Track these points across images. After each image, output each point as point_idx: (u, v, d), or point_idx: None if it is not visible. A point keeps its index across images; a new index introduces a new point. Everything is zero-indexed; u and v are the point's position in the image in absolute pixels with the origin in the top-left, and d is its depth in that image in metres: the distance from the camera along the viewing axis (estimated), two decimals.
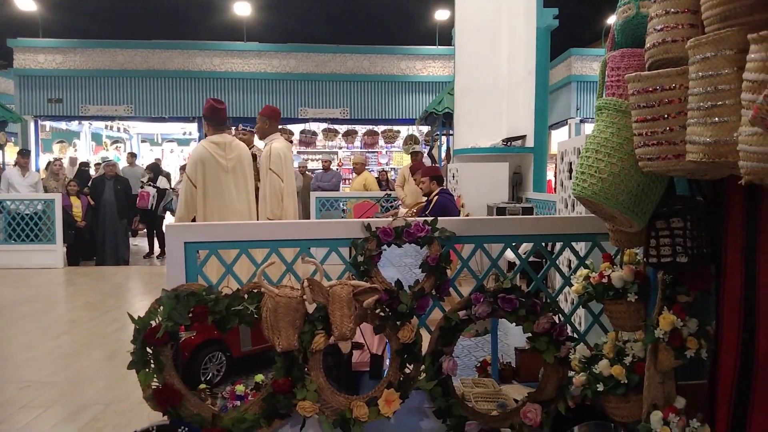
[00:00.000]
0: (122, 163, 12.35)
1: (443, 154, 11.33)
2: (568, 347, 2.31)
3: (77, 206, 9.16)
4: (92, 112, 14.57)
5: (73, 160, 13.72)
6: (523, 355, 2.96)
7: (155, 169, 10.91)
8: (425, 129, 14.21)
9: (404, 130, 15.81)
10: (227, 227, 2.77)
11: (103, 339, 4.76)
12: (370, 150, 15.99)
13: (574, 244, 2.68)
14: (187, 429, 2.23)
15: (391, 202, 8.86)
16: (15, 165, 9.51)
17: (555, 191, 5.82)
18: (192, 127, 15.97)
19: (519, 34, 7.55)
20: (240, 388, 2.75)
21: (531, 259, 2.70)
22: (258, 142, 5.54)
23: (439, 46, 15.46)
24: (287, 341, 2.30)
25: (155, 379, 2.35)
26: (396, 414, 2.30)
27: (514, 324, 2.35)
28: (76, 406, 3.36)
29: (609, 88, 2.00)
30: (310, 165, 14.59)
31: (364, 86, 15.12)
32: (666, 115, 1.64)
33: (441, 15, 14.82)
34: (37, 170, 12.44)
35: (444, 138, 11.45)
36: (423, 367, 2.36)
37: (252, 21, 16.15)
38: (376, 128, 15.88)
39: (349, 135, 15.87)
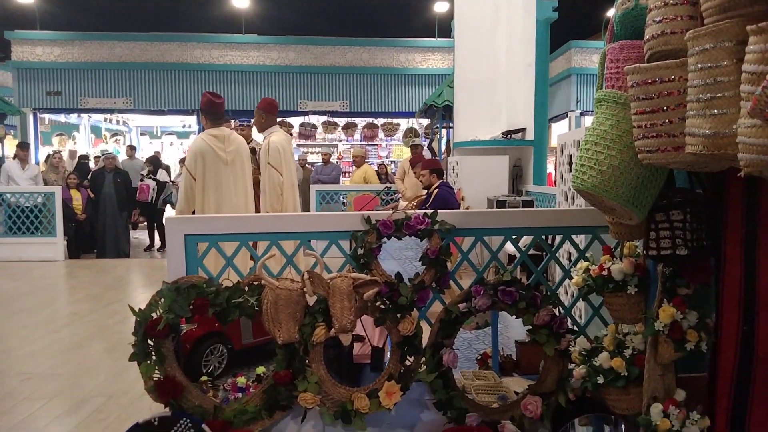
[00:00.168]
0: (122, 156, 12.34)
1: (443, 147, 11.32)
2: (569, 340, 2.31)
3: (77, 199, 9.16)
4: (91, 104, 14.53)
5: (72, 153, 13.71)
6: (524, 347, 2.97)
7: (155, 162, 10.90)
8: (425, 122, 14.18)
9: (404, 123, 15.79)
10: (227, 220, 2.77)
11: (104, 332, 4.77)
12: (369, 143, 15.97)
13: (574, 236, 2.69)
14: (189, 421, 2.24)
15: (391, 195, 8.86)
16: (14, 158, 9.50)
17: (555, 184, 5.83)
18: (191, 120, 15.94)
19: (518, 27, 7.53)
20: (241, 380, 2.75)
21: (531, 252, 2.71)
22: (257, 136, 5.52)
23: (439, 39, 15.41)
24: (288, 333, 2.31)
25: (157, 371, 2.36)
26: (397, 406, 2.31)
27: (514, 317, 2.36)
28: (77, 399, 3.38)
29: (608, 80, 2.00)
30: (310, 158, 14.57)
31: (363, 79, 15.09)
32: (665, 107, 1.64)
33: (440, 7, 14.76)
34: (37, 163, 12.41)
35: (444, 131, 11.44)
36: (423, 359, 2.37)
37: (250, 13, 16.08)
38: (375, 121, 15.86)
39: (349, 128, 15.85)
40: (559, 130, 14.71)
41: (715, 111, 1.43)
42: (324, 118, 15.62)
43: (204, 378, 2.90)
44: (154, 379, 2.36)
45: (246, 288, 2.41)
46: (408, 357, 2.38)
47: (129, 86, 14.48)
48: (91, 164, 12.38)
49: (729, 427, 1.84)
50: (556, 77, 14.54)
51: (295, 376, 2.34)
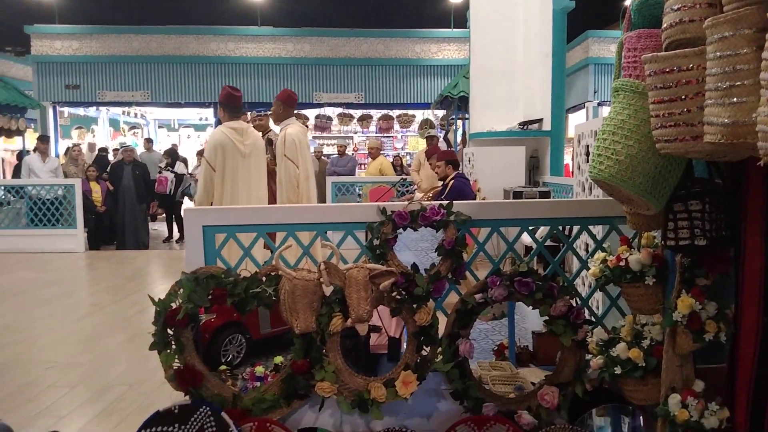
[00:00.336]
0: (139, 149, 12.48)
1: (459, 138, 11.28)
2: (586, 330, 2.31)
3: (96, 191, 9.28)
4: (109, 97, 14.69)
5: (91, 146, 13.87)
6: (540, 338, 2.97)
7: (173, 155, 11.01)
8: (440, 113, 14.14)
9: (419, 115, 15.75)
10: (244, 211, 2.80)
11: (125, 322, 4.85)
12: (385, 134, 15.96)
13: (591, 227, 2.67)
14: (208, 409, 2.28)
15: (407, 186, 8.86)
16: (35, 151, 9.64)
17: (572, 175, 5.79)
18: (208, 113, 16.06)
19: (535, 16, 7.46)
20: (259, 370, 2.79)
21: (548, 242, 2.70)
22: (274, 127, 5.56)
23: (454, 29, 15.33)
24: (305, 323, 2.33)
25: (176, 360, 2.40)
26: (413, 395, 2.33)
27: (531, 307, 2.36)
28: (99, 387, 3.44)
29: (626, 70, 1.98)
30: (326, 150, 14.60)
31: (378, 70, 15.06)
32: (683, 96, 1.62)
33: None
34: (57, 156, 12.59)
35: (459, 122, 11.40)
36: (440, 349, 2.38)
37: (266, 5, 16.11)
38: (391, 113, 15.84)
39: (364, 120, 15.85)
40: (576, 120, 14.57)
41: (734, 99, 1.42)
42: (339, 110, 15.63)
43: (223, 367, 2.94)
44: (174, 368, 2.39)
45: (263, 278, 2.44)
46: (424, 347, 2.39)
47: (146, 79, 14.60)
48: (110, 157, 12.52)
49: (749, 418, 1.83)
50: (573, 67, 14.39)
51: (313, 366, 2.37)
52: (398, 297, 2.38)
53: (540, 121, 7.46)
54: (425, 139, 9.21)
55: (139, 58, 14.53)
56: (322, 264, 2.30)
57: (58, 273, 7.13)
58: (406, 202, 2.51)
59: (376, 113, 15.86)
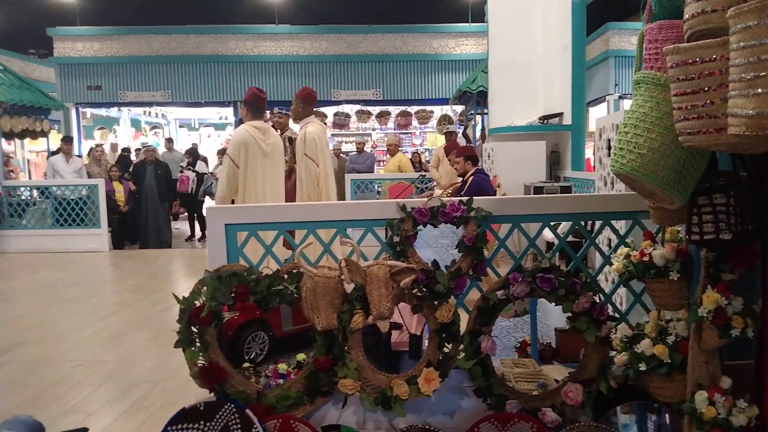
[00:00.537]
0: (160, 149, 12.62)
1: (478, 134, 11.22)
2: (609, 327, 2.29)
3: (119, 191, 9.42)
4: (130, 98, 14.88)
5: (114, 146, 14.06)
6: (563, 335, 2.95)
7: (193, 154, 11.12)
8: (459, 108, 14.07)
9: (438, 110, 15.70)
10: (266, 209, 2.82)
11: (149, 320, 4.92)
12: (403, 131, 15.94)
13: (614, 222, 2.64)
14: (233, 406, 2.30)
15: (426, 183, 8.84)
16: (59, 152, 9.80)
17: (594, 169, 5.73)
18: (228, 112, 16.18)
19: (553, 9, 7.39)
20: (282, 367, 2.81)
21: (570, 238, 2.68)
22: (293, 125, 5.59)
23: (472, 24, 15.23)
24: (327, 320, 2.34)
25: (201, 358, 2.43)
26: (436, 392, 2.33)
27: (553, 304, 2.34)
28: (126, 384, 3.50)
29: (647, 62, 1.95)
30: (344, 147, 14.64)
31: (396, 66, 15.04)
32: (706, 88, 1.60)
33: None
34: (80, 156, 12.80)
35: (478, 117, 11.33)
36: (462, 346, 2.38)
37: (283, 4, 16.18)
38: (409, 109, 15.81)
39: (383, 116, 15.84)
40: (597, 114, 14.40)
41: (759, 90, 1.39)
42: (357, 107, 15.64)
43: (246, 364, 2.97)
44: (199, 365, 2.42)
45: (285, 276, 2.46)
46: (446, 344, 2.39)
47: (166, 79, 14.76)
48: (132, 157, 12.68)
49: None
50: (593, 60, 14.22)
51: (335, 363, 2.38)
52: (419, 294, 2.38)
53: (560, 115, 7.39)
54: (444, 135, 9.17)
55: (159, 58, 14.69)
56: (343, 261, 2.31)
57: (83, 272, 7.25)
58: (426, 199, 2.51)
59: (394, 110, 15.84)
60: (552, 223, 2.70)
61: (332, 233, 2.89)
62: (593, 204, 2.62)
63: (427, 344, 2.45)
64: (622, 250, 2.24)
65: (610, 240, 3.58)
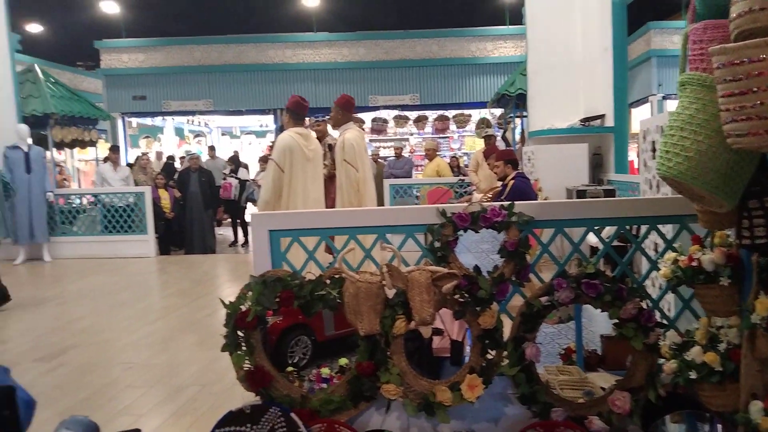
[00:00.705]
0: (203, 157, 12.92)
1: (517, 137, 11.12)
2: (658, 333, 2.24)
3: (165, 198, 9.68)
4: (174, 107, 15.29)
5: (159, 154, 14.47)
6: (609, 342, 2.89)
7: (236, 161, 11.34)
8: (498, 111, 13.96)
9: (476, 114, 15.61)
10: (308, 215, 2.87)
11: (195, 324, 5.04)
12: (441, 135, 15.91)
13: (660, 226, 2.59)
14: (278, 409, 2.34)
15: (465, 187, 8.80)
16: (106, 160, 10.14)
17: (638, 172, 5.61)
18: (268, 119, 16.44)
19: (593, 10, 7.29)
20: (325, 371, 2.85)
21: (614, 243, 2.63)
22: (332, 132, 5.66)
23: (510, 26, 15.11)
24: (370, 325, 2.36)
25: (247, 361, 2.48)
26: (480, 399, 2.32)
27: (599, 310, 2.31)
28: (174, 387, 3.59)
29: (692, 63, 1.91)
30: (382, 152, 14.70)
31: (433, 71, 15.04)
32: (755, 89, 1.55)
33: None
34: (127, 165, 13.21)
35: (518, 120, 11.23)
36: (505, 353, 2.36)
37: (321, 11, 16.38)
38: (447, 113, 15.77)
39: (420, 121, 15.84)
40: (640, 115, 14.08)
41: None
42: (395, 113, 15.68)
43: (290, 368, 3.01)
44: (245, 368, 2.47)
45: (327, 281, 2.49)
46: (489, 350, 2.38)
47: (208, 88, 15.10)
48: (177, 164, 13.02)
49: None
50: (635, 60, 13.93)
51: (378, 368, 2.40)
52: (461, 300, 2.38)
53: (602, 116, 7.26)
54: (483, 139, 9.12)
55: (201, 68, 15.05)
56: (384, 267, 2.33)
57: (131, 277, 7.48)
58: (466, 204, 2.51)
59: (431, 114, 15.82)
60: (596, 228, 2.66)
61: (372, 239, 2.91)
62: (639, 208, 2.58)
63: (468, 350, 2.44)
64: (670, 255, 2.19)
65: (656, 244, 3.51)
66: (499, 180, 5.76)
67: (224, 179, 10.53)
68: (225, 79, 15.06)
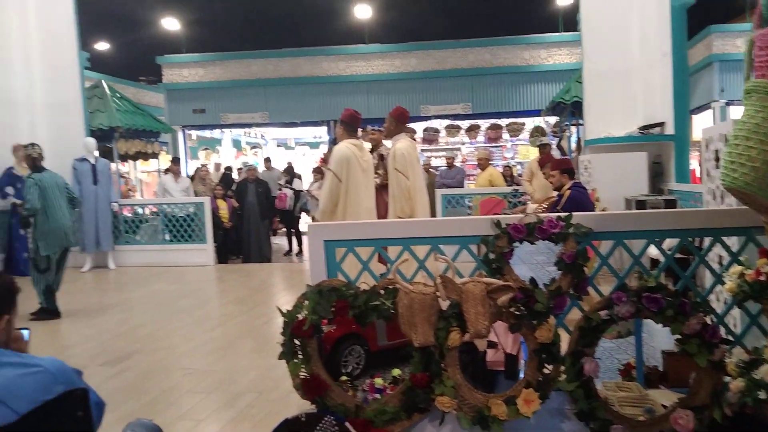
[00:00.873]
0: (259, 168, 13.24)
1: (573, 146, 10.91)
2: (723, 350, 2.15)
3: (223, 208, 9.97)
4: (231, 120, 15.73)
5: (217, 166, 14.91)
6: (671, 358, 2.79)
7: (290, 172, 11.58)
8: (552, 120, 13.74)
9: (529, 122, 15.40)
10: (362, 226, 2.91)
11: (253, 332, 5.16)
12: (493, 144, 15.76)
13: (725, 238, 2.50)
14: (333, 418, 2.37)
15: (519, 197, 8.69)
16: (167, 172, 10.53)
17: (700, 181, 5.41)
18: (322, 131, 16.69)
19: (652, 14, 7.10)
20: (379, 381, 2.86)
21: (676, 255, 2.55)
22: (386, 142, 5.73)
23: (564, 33, 14.88)
24: (424, 337, 2.37)
25: (303, 370, 2.52)
26: (536, 414, 2.29)
27: (660, 325, 2.24)
28: (232, 393, 3.69)
29: (758, 70, 1.85)
30: (434, 162, 14.68)
31: (486, 79, 14.94)
32: None
33: (563, 0, 14.26)
34: (187, 176, 13.68)
35: (573, 128, 11.03)
36: (563, 368, 2.32)
37: (373, 23, 16.56)
38: (499, 121, 15.62)
39: (472, 130, 15.75)
40: (701, 122, 13.57)
41: None
42: (447, 122, 15.64)
43: (344, 378, 3.04)
44: (301, 377, 2.52)
45: (381, 291, 2.51)
46: (546, 365, 2.34)
47: (264, 101, 15.48)
48: (234, 175, 13.39)
49: None
50: (695, 65, 13.45)
51: (432, 379, 2.40)
52: (517, 313, 2.35)
53: (662, 124, 7.04)
54: (537, 148, 8.99)
55: (257, 81, 15.45)
56: (438, 278, 2.33)
57: (191, 285, 7.72)
58: (521, 215, 2.49)
59: (483, 123, 15.71)
60: (657, 240, 2.58)
61: (426, 250, 2.92)
62: (702, 219, 2.50)
63: (524, 364, 2.41)
64: (736, 268, 2.12)
65: (720, 257, 3.37)
66: (554, 189, 5.67)
67: (280, 190, 10.77)
68: (280, 92, 15.40)
